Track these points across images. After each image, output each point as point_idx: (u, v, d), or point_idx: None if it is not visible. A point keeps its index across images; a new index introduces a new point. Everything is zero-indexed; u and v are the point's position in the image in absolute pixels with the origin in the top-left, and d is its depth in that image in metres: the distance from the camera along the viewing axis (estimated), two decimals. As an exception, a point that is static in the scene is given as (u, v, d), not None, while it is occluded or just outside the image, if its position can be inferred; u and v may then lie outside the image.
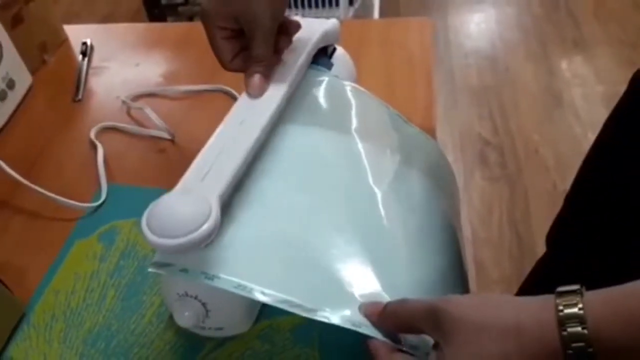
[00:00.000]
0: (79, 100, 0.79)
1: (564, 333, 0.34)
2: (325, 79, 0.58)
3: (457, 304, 0.39)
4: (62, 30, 0.92)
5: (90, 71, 0.85)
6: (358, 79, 0.64)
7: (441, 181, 0.60)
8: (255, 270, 0.44)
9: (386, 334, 0.44)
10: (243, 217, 0.47)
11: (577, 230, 1.06)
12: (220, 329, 0.49)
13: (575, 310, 0.34)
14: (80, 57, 0.87)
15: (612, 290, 0.35)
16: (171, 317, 0.51)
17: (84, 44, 0.89)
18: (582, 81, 2.07)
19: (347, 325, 0.43)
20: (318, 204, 0.50)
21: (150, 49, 0.88)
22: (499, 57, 2.25)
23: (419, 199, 0.56)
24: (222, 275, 0.43)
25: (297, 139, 0.54)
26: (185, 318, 0.46)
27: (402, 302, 0.43)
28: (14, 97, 0.78)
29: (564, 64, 2.17)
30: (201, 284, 0.44)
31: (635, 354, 0.33)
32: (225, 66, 0.56)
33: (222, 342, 0.51)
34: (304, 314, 0.43)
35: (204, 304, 0.46)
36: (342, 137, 0.55)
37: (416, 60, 0.80)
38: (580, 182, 1.01)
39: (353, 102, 0.58)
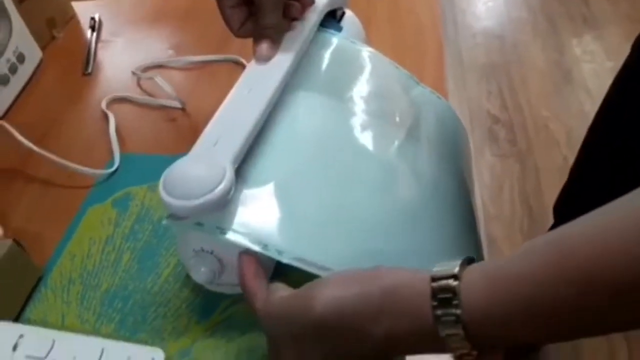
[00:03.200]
0: (89, 74, 0.80)
1: (437, 311, 0.33)
2: (335, 41, 0.58)
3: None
4: (70, 6, 0.92)
5: (100, 45, 0.85)
6: (367, 43, 0.64)
7: (453, 139, 0.59)
8: (270, 226, 0.45)
9: None
10: (257, 178, 0.47)
11: (583, 199, 1.06)
12: (236, 285, 0.49)
13: (449, 282, 0.33)
14: (89, 32, 0.87)
15: (489, 262, 0.34)
16: (187, 276, 0.52)
17: (92, 19, 0.89)
18: (592, 57, 2.06)
19: None
20: (330, 164, 0.50)
21: (159, 22, 0.88)
22: (507, 36, 2.24)
23: (430, 159, 0.56)
24: (237, 230, 0.43)
25: (307, 102, 0.54)
26: (201, 274, 0.46)
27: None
28: (25, 71, 0.79)
29: (573, 41, 2.16)
30: (216, 240, 0.44)
31: (502, 325, 0.32)
32: (234, 33, 0.56)
33: (238, 299, 0.51)
34: (317, 272, 0.43)
35: (219, 260, 0.46)
36: (353, 99, 0.55)
37: (425, 24, 0.79)
38: (585, 150, 1.02)
39: (363, 63, 0.57)
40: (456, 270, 0.34)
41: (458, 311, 0.32)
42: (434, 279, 0.34)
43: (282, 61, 0.53)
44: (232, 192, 0.43)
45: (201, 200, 0.41)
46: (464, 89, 2.02)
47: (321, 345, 0.37)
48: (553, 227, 1.16)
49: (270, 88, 0.50)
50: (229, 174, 0.42)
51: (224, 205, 0.43)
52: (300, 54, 0.55)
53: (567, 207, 1.08)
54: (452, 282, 0.33)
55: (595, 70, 2.00)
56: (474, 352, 0.33)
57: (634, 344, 1.33)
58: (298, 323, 0.37)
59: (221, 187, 0.41)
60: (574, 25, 2.23)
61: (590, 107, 1.82)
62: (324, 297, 0.36)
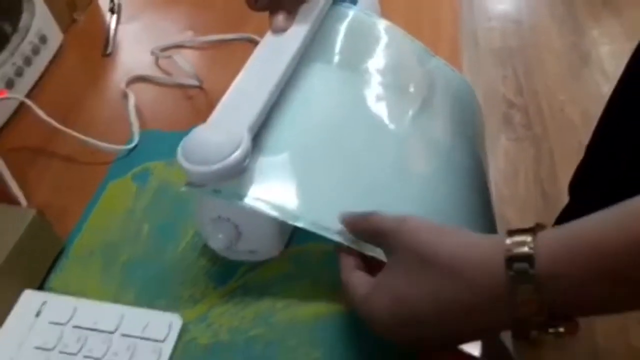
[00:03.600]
0: (109, 55, 0.81)
1: (511, 273, 0.33)
2: (351, 13, 0.59)
3: (410, 230, 0.39)
4: (90, -11, 0.94)
5: (119, 27, 0.87)
6: (382, 16, 0.65)
7: (467, 110, 0.60)
8: (286, 193, 0.46)
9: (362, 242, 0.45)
10: (274, 146, 0.48)
11: (599, 177, 1.06)
12: (253, 252, 0.51)
13: (525, 249, 0.33)
14: (108, 15, 0.89)
15: (564, 227, 0.34)
16: (205, 246, 0.54)
17: (112, 1, 0.90)
18: (611, 39, 2.04)
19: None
20: (344, 133, 0.51)
21: (177, 4, 0.89)
22: (523, 20, 2.23)
23: (445, 130, 0.56)
24: (254, 196, 0.45)
25: (322, 74, 0.55)
26: (219, 240, 0.48)
27: (370, 215, 0.43)
28: (47, 52, 0.80)
29: (591, 23, 2.14)
30: (234, 207, 0.46)
31: (585, 291, 0.32)
32: (251, 6, 0.57)
33: (255, 266, 0.52)
34: (332, 237, 0.45)
35: (236, 226, 0.48)
36: (368, 70, 0.56)
37: (442, 0, 0.80)
38: (601, 127, 1.02)
39: (378, 35, 0.58)
40: (529, 238, 0.34)
41: (533, 271, 0.33)
42: (510, 233, 0.35)
43: (298, 32, 0.54)
44: (248, 159, 0.44)
45: (218, 166, 0.42)
46: (479, 73, 2.01)
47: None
48: (568, 205, 1.16)
49: (286, 58, 0.51)
50: (246, 140, 0.44)
51: (241, 171, 0.44)
52: (315, 26, 0.56)
53: (583, 185, 1.08)
54: (527, 239, 0.34)
55: (614, 52, 1.98)
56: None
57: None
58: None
59: (238, 153, 0.43)
60: (592, 7, 2.21)
61: (608, 89, 1.78)
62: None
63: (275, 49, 0.53)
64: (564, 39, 2.10)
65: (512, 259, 0.33)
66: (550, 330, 0.35)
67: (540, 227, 0.35)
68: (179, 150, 0.44)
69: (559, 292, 0.33)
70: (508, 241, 0.34)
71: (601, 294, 0.32)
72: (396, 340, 0.41)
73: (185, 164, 0.43)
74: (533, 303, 0.33)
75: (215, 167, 0.42)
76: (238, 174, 0.44)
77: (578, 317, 0.35)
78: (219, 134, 0.45)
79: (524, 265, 0.33)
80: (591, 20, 2.16)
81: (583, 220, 0.34)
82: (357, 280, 0.43)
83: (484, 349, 0.44)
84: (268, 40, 0.54)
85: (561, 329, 0.35)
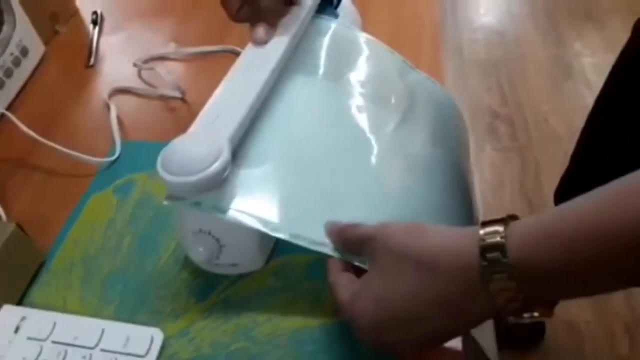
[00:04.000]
0: (92, 66, 0.81)
1: (484, 263, 0.34)
2: (332, 26, 0.59)
3: (387, 233, 0.40)
4: (73, 1, 0.93)
5: (102, 39, 0.86)
6: (363, 30, 0.65)
7: (449, 125, 0.60)
8: (267, 205, 0.46)
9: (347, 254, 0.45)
10: (254, 159, 0.48)
11: (582, 186, 1.06)
12: (235, 265, 0.50)
13: (497, 239, 0.34)
14: (91, 26, 0.89)
15: (535, 217, 0.35)
16: (186, 259, 0.53)
17: (94, 13, 0.90)
18: (593, 52, 2.06)
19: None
20: (325, 145, 0.51)
21: (160, 16, 0.89)
22: (507, 31, 2.25)
23: (425, 143, 0.57)
24: (235, 209, 0.44)
25: (303, 87, 0.55)
26: (200, 253, 0.48)
27: (354, 225, 0.44)
28: (28, 65, 0.80)
29: (573, 35, 2.16)
30: (214, 220, 0.45)
31: (556, 276, 0.33)
32: (231, 17, 0.57)
33: (237, 279, 0.52)
34: (313, 248, 0.45)
35: (217, 240, 0.47)
36: (349, 83, 0.56)
37: (423, 13, 0.80)
38: (584, 138, 1.03)
39: (359, 48, 0.59)
40: (501, 228, 0.35)
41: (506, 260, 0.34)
42: (483, 224, 0.36)
43: (279, 44, 0.54)
44: (228, 170, 0.44)
45: (198, 177, 0.42)
46: (465, 84, 2.03)
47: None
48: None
49: (267, 70, 0.51)
50: (226, 151, 0.43)
51: (221, 182, 0.44)
52: (296, 38, 0.56)
53: (568, 194, 1.09)
54: (499, 229, 0.35)
55: (596, 64, 2.00)
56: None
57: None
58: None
59: (217, 164, 0.43)
60: (574, 20, 2.24)
61: (591, 100, 1.79)
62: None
63: (256, 61, 0.53)
64: (547, 51, 2.12)
65: (485, 249, 0.34)
66: (526, 315, 0.36)
67: (512, 217, 0.36)
68: (159, 161, 0.44)
69: (531, 279, 0.34)
70: (481, 232, 0.35)
71: (572, 279, 0.33)
72: (380, 344, 0.41)
73: (165, 175, 0.43)
74: (508, 291, 0.34)
75: (194, 178, 0.42)
76: (218, 185, 0.44)
77: (553, 301, 0.36)
78: (199, 144, 0.44)
79: (496, 254, 0.34)
80: (573, 33, 2.18)
81: (554, 210, 0.35)
82: (344, 282, 0.43)
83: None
84: (249, 52, 0.54)
85: (536, 314, 0.36)
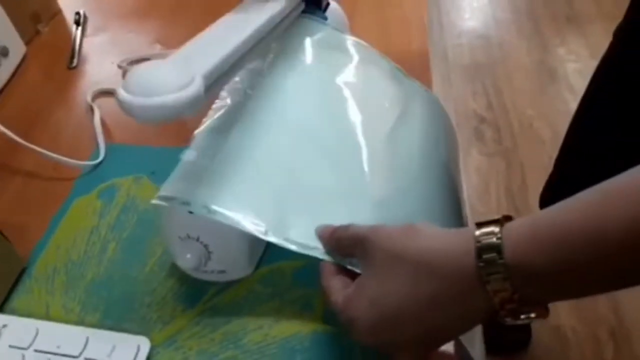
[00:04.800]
0: (74, 67, 0.79)
1: (481, 263, 0.34)
2: (324, 28, 0.58)
3: (381, 234, 0.40)
4: (55, 1, 0.91)
5: (85, 40, 0.85)
6: (350, 34, 0.64)
7: (440, 132, 0.60)
8: (257, 207, 0.45)
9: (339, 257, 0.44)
10: (245, 161, 0.47)
11: (567, 189, 1.07)
12: (223, 272, 0.49)
13: (493, 239, 0.34)
14: (74, 27, 0.87)
15: (530, 217, 0.35)
16: (173, 265, 0.52)
17: (77, 13, 0.88)
18: (577, 57, 2.08)
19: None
20: (315, 148, 0.51)
21: (144, 17, 0.88)
22: (492, 36, 2.26)
23: (417, 150, 0.56)
24: (224, 209, 0.43)
25: (292, 88, 0.54)
26: (187, 260, 0.46)
27: (345, 227, 0.44)
28: (8, 65, 0.78)
29: (557, 41, 2.18)
30: (202, 225, 0.44)
31: (551, 277, 0.33)
32: None
33: (225, 287, 0.51)
34: (302, 251, 0.44)
35: (206, 246, 0.46)
36: (337, 85, 0.55)
37: (410, 18, 0.80)
38: (568, 142, 1.03)
39: (348, 51, 0.58)
40: (497, 229, 0.35)
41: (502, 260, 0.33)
42: (478, 225, 0.35)
43: (268, 9, 0.50)
44: (197, 104, 0.38)
45: (159, 99, 0.36)
46: (450, 89, 2.03)
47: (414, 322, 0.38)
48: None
49: (250, 27, 0.47)
50: (198, 82, 0.38)
51: (188, 112, 0.38)
52: (286, 10, 0.53)
53: (553, 198, 1.10)
54: (495, 229, 0.34)
55: (579, 70, 2.02)
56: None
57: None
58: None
59: (187, 92, 0.37)
60: (558, 25, 2.26)
61: (575, 105, 1.82)
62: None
63: (238, 21, 0.48)
64: (532, 56, 2.13)
65: (481, 250, 0.34)
66: (522, 316, 0.35)
67: (507, 218, 0.36)
68: (121, 83, 0.38)
69: (528, 280, 0.34)
70: (477, 232, 0.35)
71: (568, 280, 0.33)
72: (375, 345, 0.40)
73: (124, 95, 0.37)
74: (504, 292, 0.34)
75: (158, 99, 0.36)
76: (186, 112, 0.38)
77: (549, 302, 0.36)
78: (171, 69, 0.38)
79: (492, 255, 0.34)
80: (557, 37, 2.20)
81: (548, 210, 0.35)
82: (338, 285, 0.43)
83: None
84: (231, 14, 0.50)
85: (532, 315, 0.35)
